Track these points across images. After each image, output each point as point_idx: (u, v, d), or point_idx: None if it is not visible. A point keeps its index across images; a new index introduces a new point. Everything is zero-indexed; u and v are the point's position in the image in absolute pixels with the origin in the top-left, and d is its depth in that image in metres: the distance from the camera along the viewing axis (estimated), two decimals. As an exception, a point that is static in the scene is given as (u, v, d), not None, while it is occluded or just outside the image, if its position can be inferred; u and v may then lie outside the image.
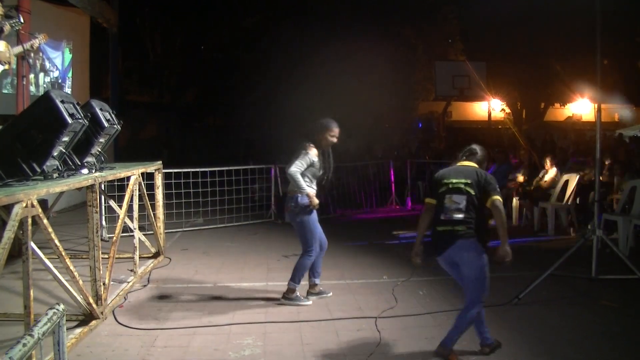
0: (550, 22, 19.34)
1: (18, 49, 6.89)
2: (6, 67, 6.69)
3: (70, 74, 14.11)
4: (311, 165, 5.95)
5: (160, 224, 8.10)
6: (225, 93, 27.24)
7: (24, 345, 1.74)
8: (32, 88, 11.87)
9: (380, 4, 22.32)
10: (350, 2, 22.67)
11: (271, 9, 25.11)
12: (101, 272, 5.39)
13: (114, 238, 6.21)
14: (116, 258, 6.34)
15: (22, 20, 6.94)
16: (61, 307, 2.14)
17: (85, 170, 5.59)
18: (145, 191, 7.47)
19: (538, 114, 25.18)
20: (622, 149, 12.98)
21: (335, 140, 6.10)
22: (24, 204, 4.01)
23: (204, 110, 30.27)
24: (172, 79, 27.91)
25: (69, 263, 4.82)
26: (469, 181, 4.50)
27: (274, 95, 22.94)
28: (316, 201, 5.93)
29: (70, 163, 5.36)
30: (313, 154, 5.97)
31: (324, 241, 6.23)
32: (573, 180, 9.96)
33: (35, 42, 7.08)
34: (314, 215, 5.99)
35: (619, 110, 25.11)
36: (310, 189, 5.95)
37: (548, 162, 11.06)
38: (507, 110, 25.30)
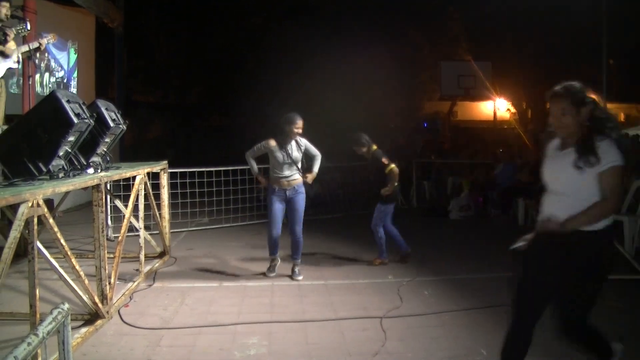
0: (556, 21, 19.30)
1: (24, 47, 6.92)
2: (13, 63, 6.72)
3: (75, 74, 14.13)
4: (269, 152, 6.99)
5: (165, 224, 8.11)
6: (230, 92, 27.22)
7: (29, 344, 1.74)
8: (38, 88, 11.90)
9: (386, 4, 22.31)
10: (355, 1, 22.66)
11: (275, 9, 25.10)
12: (107, 271, 5.40)
13: (120, 237, 6.22)
14: (122, 257, 6.35)
15: (28, 27, 6.98)
16: (66, 306, 2.14)
17: (91, 170, 5.60)
18: (150, 191, 7.48)
19: (544, 113, 25.12)
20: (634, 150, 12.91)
21: (298, 131, 6.92)
22: (30, 204, 4.02)
23: (209, 110, 30.27)
24: (177, 78, 27.90)
25: (74, 262, 4.83)
26: None
27: (279, 94, 22.94)
28: (262, 181, 7.28)
29: (76, 163, 5.37)
30: (270, 144, 6.97)
31: (272, 224, 6.99)
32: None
33: (43, 41, 7.11)
34: (273, 197, 6.96)
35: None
36: (255, 169, 7.25)
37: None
38: (513, 110, 25.25)
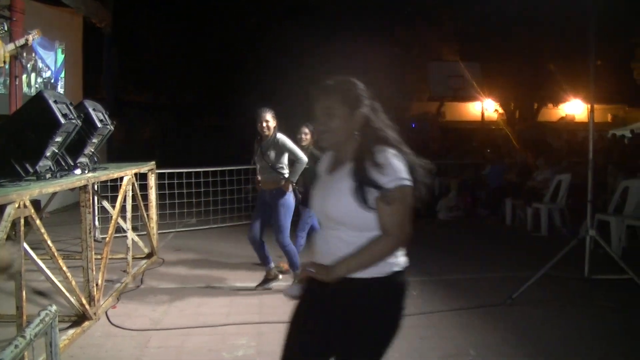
0: (544, 22, 19.39)
1: (10, 46, 6.88)
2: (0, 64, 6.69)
3: (63, 74, 14.05)
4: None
5: (153, 225, 8.08)
6: (225, 93, 27.15)
7: (16, 347, 1.73)
8: (25, 88, 11.83)
9: (376, 5, 22.33)
10: (346, 3, 22.66)
11: (271, 9, 25.04)
12: (94, 272, 5.37)
13: (107, 239, 6.20)
14: (109, 259, 6.32)
15: (6, 29, 6.96)
16: (53, 308, 2.13)
17: (78, 171, 5.58)
18: (138, 191, 7.45)
19: (531, 114, 25.22)
20: (617, 150, 13.02)
21: (264, 126, 6.41)
22: (17, 205, 3.99)
23: (203, 111, 30.17)
24: (170, 78, 27.75)
25: (61, 264, 4.80)
26: None
27: (273, 95, 22.87)
28: (257, 185, 6.72)
29: (63, 163, 5.35)
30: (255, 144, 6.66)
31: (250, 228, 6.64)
32: (566, 180, 9.99)
33: (29, 38, 7.07)
34: (259, 199, 6.68)
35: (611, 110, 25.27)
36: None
37: (541, 163, 11.12)
38: (501, 110, 25.35)
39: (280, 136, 6.44)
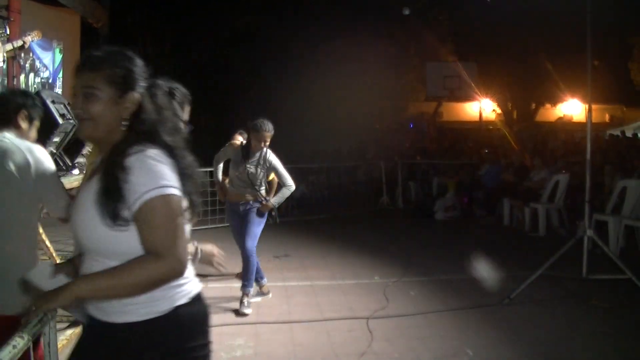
0: (541, 22, 19.41)
1: (8, 46, 6.88)
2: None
3: (60, 75, 14.03)
4: (230, 159, 5.93)
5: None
6: (218, 94, 27.16)
7: (14, 347, 1.73)
8: (23, 88, 11.81)
9: (372, 5, 22.34)
10: (343, 3, 22.67)
11: (268, 10, 25.05)
12: (92, 273, 5.35)
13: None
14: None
15: (7, 32, 6.95)
16: (51, 308, 2.12)
17: (76, 171, 5.56)
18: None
19: (529, 114, 25.23)
20: (615, 150, 13.04)
21: (262, 144, 5.71)
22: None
23: (200, 111, 30.16)
24: (163, 79, 27.73)
25: (59, 264, 4.79)
26: None
27: (268, 96, 22.90)
28: (220, 194, 6.17)
29: (61, 164, 5.33)
30: (228, 150, 6.00)
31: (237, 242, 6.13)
32: (563, 180, 10.00)
33: (27, 39, 7.07)
34: (228, 212, 6.15)
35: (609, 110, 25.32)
36: (218, 177, 6.12)
37: (538, 163, 11.13)
38: (498, 110, 25.35)
39: (272, 156, 5.85)
